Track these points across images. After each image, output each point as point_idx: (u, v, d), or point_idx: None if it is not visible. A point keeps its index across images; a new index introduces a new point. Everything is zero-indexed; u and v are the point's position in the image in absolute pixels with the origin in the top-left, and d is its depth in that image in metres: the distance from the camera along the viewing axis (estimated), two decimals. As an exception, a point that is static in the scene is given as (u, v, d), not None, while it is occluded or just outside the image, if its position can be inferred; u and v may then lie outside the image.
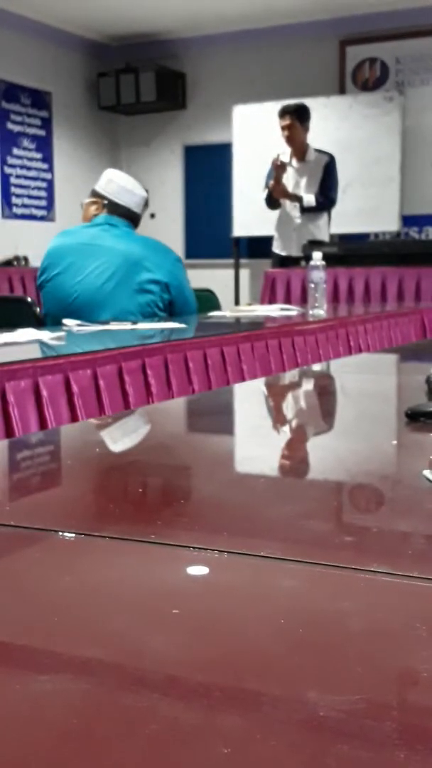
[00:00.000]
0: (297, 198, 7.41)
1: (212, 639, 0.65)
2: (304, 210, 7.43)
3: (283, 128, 7.41)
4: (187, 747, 0.49)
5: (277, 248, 7.72)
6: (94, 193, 4.16)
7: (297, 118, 7.38)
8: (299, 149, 7.46)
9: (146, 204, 4.21)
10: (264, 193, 7.62)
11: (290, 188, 7.45)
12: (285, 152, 7.48)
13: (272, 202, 7.56)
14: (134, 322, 3.63)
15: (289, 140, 7.44)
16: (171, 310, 4.04)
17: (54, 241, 4.12)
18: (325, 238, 7.57)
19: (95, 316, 3.78)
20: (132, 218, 4.14)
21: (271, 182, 7.41)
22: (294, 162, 7.49)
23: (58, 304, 3.91)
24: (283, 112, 7.43)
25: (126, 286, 3.89)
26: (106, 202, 4.10)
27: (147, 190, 4.24)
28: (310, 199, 7.39)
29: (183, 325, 3.59)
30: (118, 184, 4.12)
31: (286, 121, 7.39)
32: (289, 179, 7.48)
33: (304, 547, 0.84)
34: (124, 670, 0.60)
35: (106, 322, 3.66)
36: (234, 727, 0.52)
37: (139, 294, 3.90)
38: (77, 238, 4.06)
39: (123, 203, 4.10)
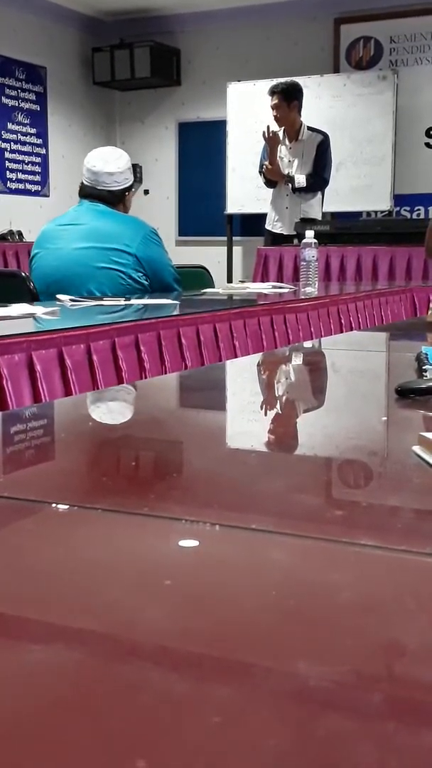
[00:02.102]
0: (289, 178, 7.39)
1: (204, 610, 0.65)
2: (296, 190, 7.41)
3: (272, 107, 7.39)
4: (179, 716, 0.49)
5: (269, 226, 7.71)
6: None
7: (284, 98, 7.34)
8: (290, 128, 7.44)
9: (124, 177, 4.18)
10: (261, 173, 7.60)
11: (284, 167, 7.43)
12: (279, 130, 7.46)
13: (270, 180, 7.55)
14: (128, 298, 3.63)
15: (277, 120, 7.41)
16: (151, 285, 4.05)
17: (43, 227, 4.22)
18: (318, 217, 7.56)
19: (71, 293, 3.79)
20: (100, 196, 4.14)
21: (266, 163, 7.39)
22: (287, 141, 7.47)
23: (40, 284, 3.98)
24: (271, 92, 7.39)
25: (97, 262, 3.92)
26: (80, 186, 4.20)
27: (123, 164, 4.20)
28: (300, 180, 7.36)
29: (176, 302, 3.60)
30: (85, 166, 4.18)
31: (273, 101, 7.36)
32: (283, 158, 7.45)
33: (294, 520, 0.85)
34: (116, 641, 0.60)
35: (101, 298, 3.66)
36: (225, 697, 0.52)
37: (111, 269, 3.92)
38: (58, 222, 4.17)
39: (88, 183, 4.15)
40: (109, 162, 4.14)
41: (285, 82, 7.48)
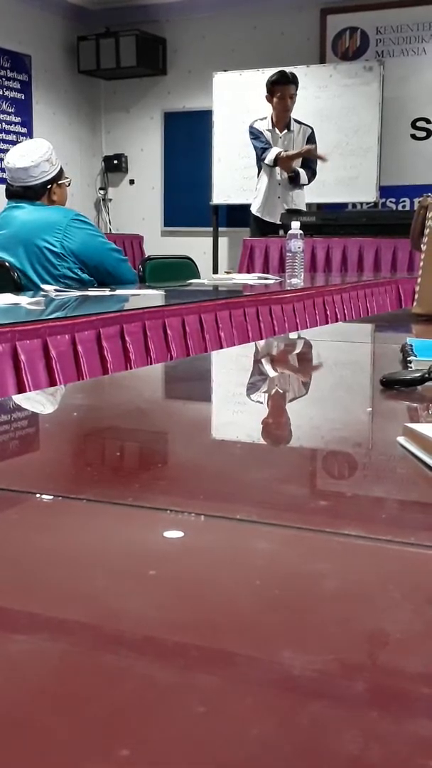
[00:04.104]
0: (294, 174, 7.38)
1: (189, 600, 0.65)
2: (295, 183, 7.40)
3: (285, 98, 7.33)
4: (164, 706, 0.49)
5: (258, 212, 7.68)
6: None
7: (296, 88, 7.35)
8: (284, 119, 7.43)
9: (43, 168, 3.98)
10: (265, 157, 7.49)
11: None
12: (264, 119, 7.45)
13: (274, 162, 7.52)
14: (113, 289, 3.62)
15: (285, 110, 7.38)
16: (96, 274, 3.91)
17: None
18: (303, 207, 7.58)
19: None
20: (19, 194, 4.01)
21: (283, 153, 7.33)
22: (277, 130, 7.46)
23: None
24: (291, 81, 7.32)
25: (36, 274, 3.82)
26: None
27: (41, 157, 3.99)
28: (304, 179, 7.38)
29: (161, 292, 3.59)
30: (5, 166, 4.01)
31: (292, 91, 7.33)
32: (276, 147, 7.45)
33: (279, 510, 0.85)
34: (101, 631, 0.60)
35: (86, 288, 3.65)
36: (210, 686, 0.52)
37: (46, 268, 3.81)
38: None
39: (9, 182, 4.02)
40: (24, 156, 3.95)
41: (290, 71, 7.47)
